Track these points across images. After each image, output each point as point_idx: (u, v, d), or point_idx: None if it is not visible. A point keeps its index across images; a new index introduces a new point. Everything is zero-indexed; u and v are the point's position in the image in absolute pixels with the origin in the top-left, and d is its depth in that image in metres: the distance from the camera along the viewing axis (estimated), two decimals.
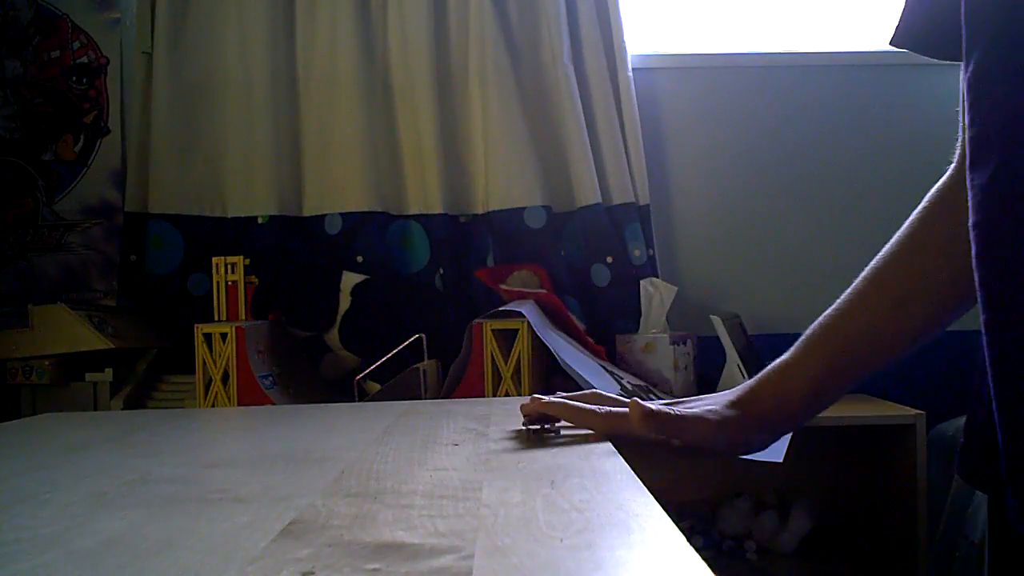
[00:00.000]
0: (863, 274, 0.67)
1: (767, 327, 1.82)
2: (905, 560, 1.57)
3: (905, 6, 0.66)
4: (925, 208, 0.66)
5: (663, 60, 1.91)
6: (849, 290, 0.67)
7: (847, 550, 1.69)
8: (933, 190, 0.67)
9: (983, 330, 0.51)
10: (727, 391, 0.68)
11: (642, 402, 0.62)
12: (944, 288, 0.64)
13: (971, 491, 1.46)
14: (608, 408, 0.66)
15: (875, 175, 1.90)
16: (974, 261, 0.52)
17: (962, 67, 0.53)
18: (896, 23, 0.66)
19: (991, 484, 0.57)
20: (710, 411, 0.65)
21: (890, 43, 0.67)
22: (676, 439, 0.63)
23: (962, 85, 0.53)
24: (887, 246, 0.67)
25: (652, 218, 1.79)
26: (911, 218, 0.67)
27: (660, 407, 0.63)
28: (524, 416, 0.68)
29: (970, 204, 0.52)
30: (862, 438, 1.71)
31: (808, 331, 0.68)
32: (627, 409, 0.63)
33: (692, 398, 0.69)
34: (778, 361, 0.68)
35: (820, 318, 0.68)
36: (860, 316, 0.66)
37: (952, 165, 0.66)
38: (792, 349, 0.68)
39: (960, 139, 0.65)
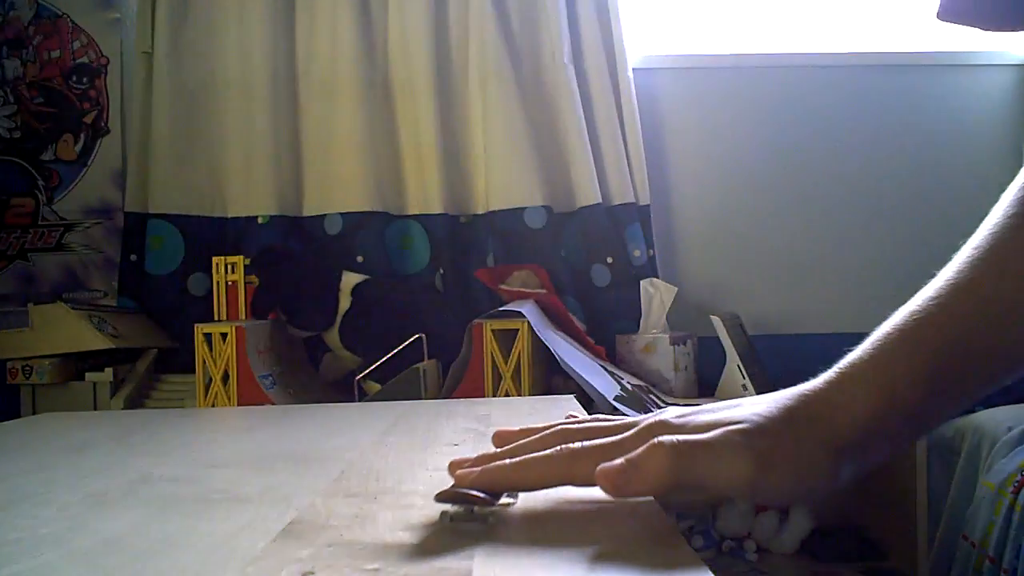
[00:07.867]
0: (965, 254, 0.46)
1: (767, 327, 1.82)
2: (905, 560, 1.57)
3: None
4: None
5: (663, 60, 1.91)
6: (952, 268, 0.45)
7: (847, 550, 1.69)
8: None
9: None
10: (772, 395, 0.45)
11: (664, 438, 0.40)
12: None
13: (971, 491, 1.46)
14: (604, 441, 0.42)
15: (875, 175, 1.89)
16: None
17: None
18: None
19: None
20: (749, 423, 0.42)
21: (936, 17, 0.56)
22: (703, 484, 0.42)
23: None
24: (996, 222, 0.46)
25: (652, 218, 1.79)
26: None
27: (681, 436, 0.41)
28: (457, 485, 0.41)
29: None
30: None
31: (893, 320, 0.45)
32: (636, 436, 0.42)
33: (720, 404, 0.45)
34: (849, 359, 0.44)
35: (910, 306, 0.45)
36: (977, 291, 0.44)
37: None
38: (870, 342, 0.44)
39: None
